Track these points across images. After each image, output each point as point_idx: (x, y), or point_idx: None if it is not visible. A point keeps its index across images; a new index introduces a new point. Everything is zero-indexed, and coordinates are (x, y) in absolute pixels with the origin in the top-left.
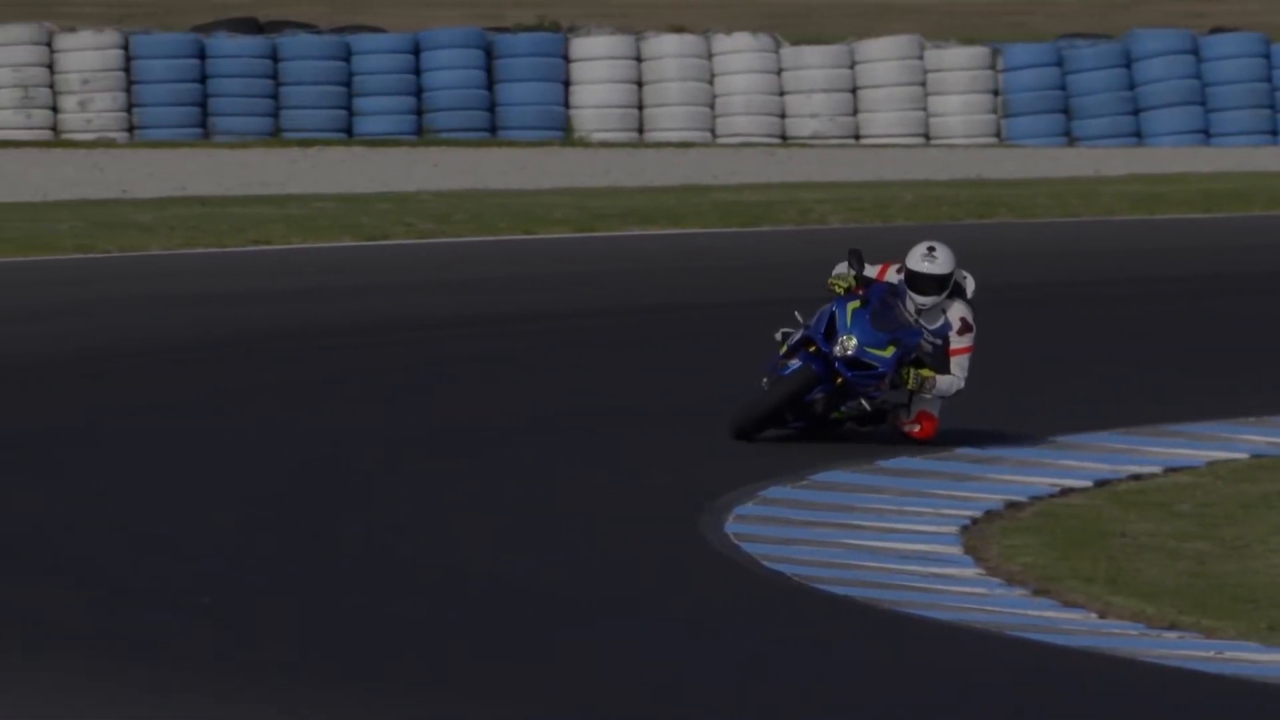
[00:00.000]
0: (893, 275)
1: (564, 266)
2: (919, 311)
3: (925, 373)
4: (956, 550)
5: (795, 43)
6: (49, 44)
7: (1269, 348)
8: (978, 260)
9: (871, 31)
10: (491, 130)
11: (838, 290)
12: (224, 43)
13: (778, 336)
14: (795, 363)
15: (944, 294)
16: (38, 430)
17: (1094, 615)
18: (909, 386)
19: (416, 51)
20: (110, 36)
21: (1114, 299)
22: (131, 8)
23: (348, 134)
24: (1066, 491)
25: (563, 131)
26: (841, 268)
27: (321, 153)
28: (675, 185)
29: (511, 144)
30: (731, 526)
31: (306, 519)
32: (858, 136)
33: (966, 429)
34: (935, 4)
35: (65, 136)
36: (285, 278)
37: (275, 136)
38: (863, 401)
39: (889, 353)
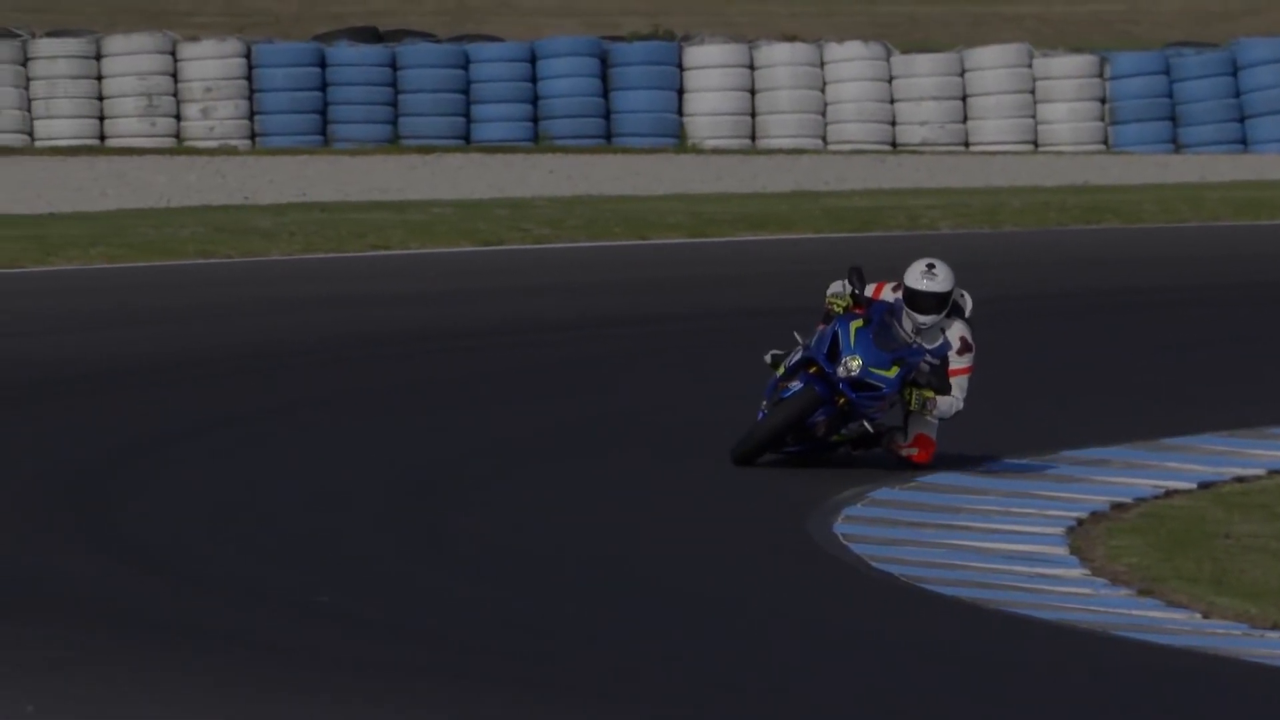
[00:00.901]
0: (888, 294)
1: (676, 271)
2: (917, 330)
3: (927, 393)
4: (1062, 551)
5: (905, 51)
6: (173, 53)
7: None
8: (1085, 265)
9: (980, 40)
10: (606, 137)
11: (836, 309)
12: (344, 51)
13: (767, 359)
14: (796, 385)
15: (944, 312)
16: (161, 433)
17: (1198, 615)
18: (912, 407)
19: (533, 60)
20: (233, 45)
21: (1219, 302)
22: (254, 17)
23: (465, 141)
24: (1171, 493)
25: (676, 138)
26: (837, 286)
27: (439, 159)
28: (786, 191)
29: (626, 150)
30: (840, 527)
31: (425, 519)
32: (967, 143)
33: (1072, 432)
34: (1043, 13)
35: (188, 144)
36: (404, 281)
37: (394, 143)
38: (865, 424)
39: (893, 373)
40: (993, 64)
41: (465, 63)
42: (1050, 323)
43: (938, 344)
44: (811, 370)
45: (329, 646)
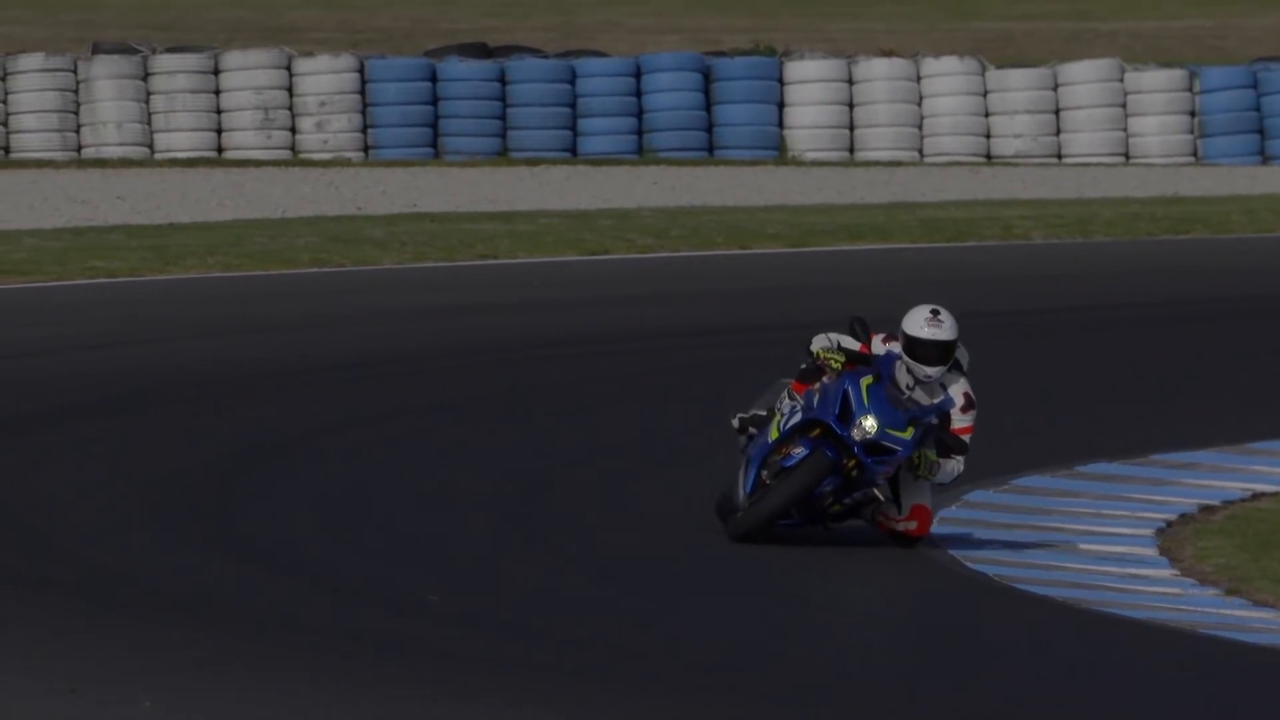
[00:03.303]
0: (878, 348)
1: (777, 280)
2: (913, 385)
3: (931, 455)
4: (1152, 552)
5: (1000, 66)
6: (288, 68)
7: None
8: (1173, 274)
9: (1072, 55)
10: (709, 150)
11: (834, 365)
12: (454, 66)
13: (734, 423)
14: (800, 451)
15: (949, 365)
16: (276, 437)
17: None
18: (919, 473)
19: (638, 75)
20: (346, 61)
21: None
22: (367, 34)
23: (572, 153)
24: (1258, 495)
25: (776, 151)
26: (823, 340)
27: (547, 171)
28: (883, 202)
29: (727, 163)
30: (935, 529)
31: (535, 522)
32: (1060, 156)
33: (1162, 435)
34: (1135, 29)
35: (303, 156)
36: (512, 290)
37: (503, 155)
38: (875, 491)
39: (909, 434)
40: (1084, 78)
41: (572, 77)
42: (1140, 330)
43: (938, 400)
44: (814, 434)
45: (444, 644)
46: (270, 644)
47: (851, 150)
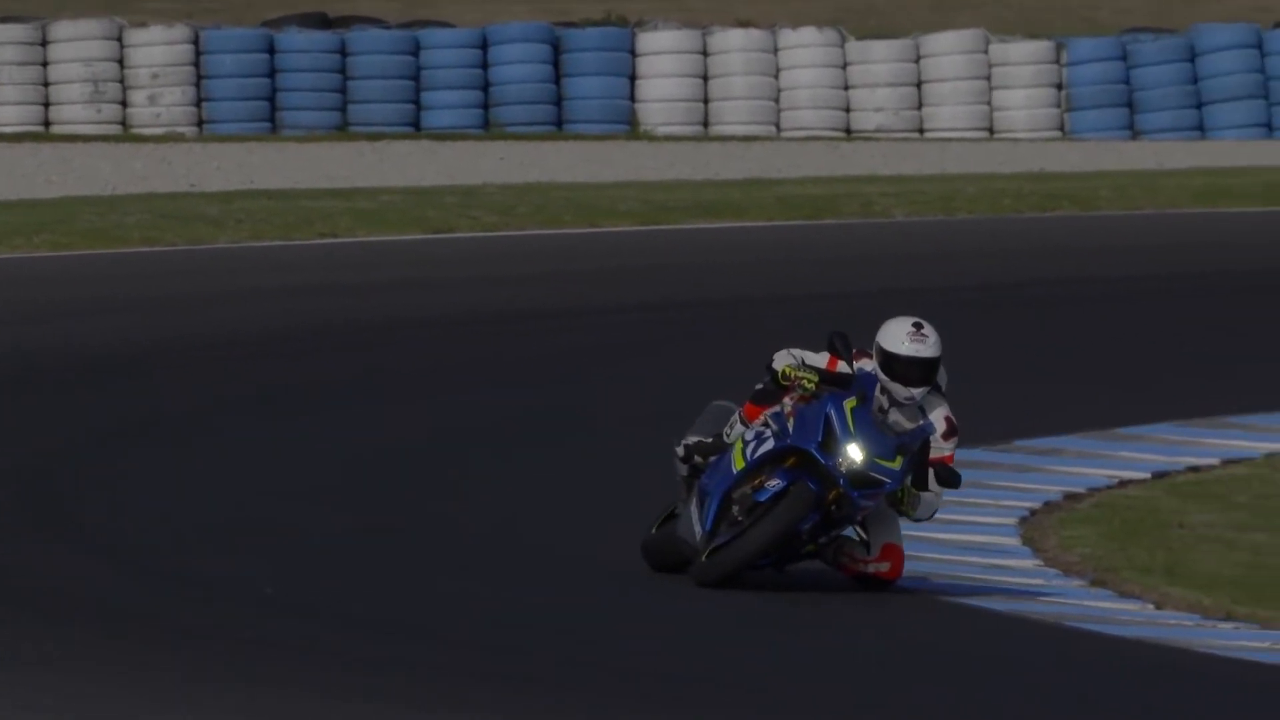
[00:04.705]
0: (843, 367)
1: (629, 259)
2: (888, 407)
3: (913, 489)
4: (1015, 541)
5: (860, 37)
6: (119, 39)
7: None
8: (1040, 253)
9: (936, 26)
10: (558, 124)
11: (807, 386)
12: (293, 37)
13: (679, 450)
14: (776, 483)
15: (931, 385)
16: (105, 424)
17: (1151, 606)
18: (904, 508)
19: (484, 46)
20: (180, 31)
21: (1174, 291)
22: (202, 3)
23: (415, 128)
24: (1124, 483)
25: (628, 125)
26: (786, 357)
27: (389, 146)
28: (740, 179)
29: (577, 137)
30: None
31: (370, 510)
32: (922, 130)
33: (1026, 420)
34: None
35: (134, 130)
36: (352, 270)
37: (343, 130)
38: (856, 530)
39: (898, 464)
40: (948, 50)
41: (415, 49)
42: (1003, 311)
43: (918, 425)
44: (789, 463)
45: (291, 635)
46: (122, 640)
47: (706, 124)
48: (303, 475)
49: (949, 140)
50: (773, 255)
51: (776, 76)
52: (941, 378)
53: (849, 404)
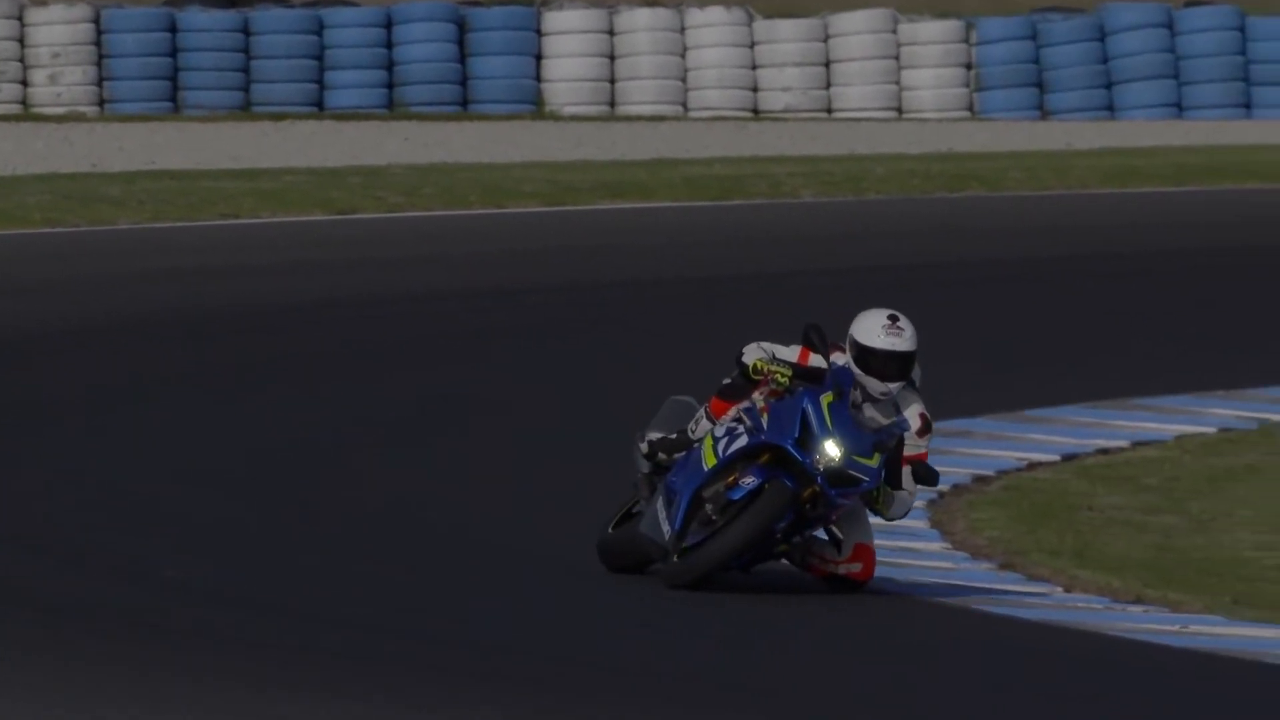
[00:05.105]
0: (816, 360)
1: (535, 240)
2: (862, 403)
3: (888, 488)
4: (923, 524)
5: (768, 16)
6: (19, 18)
7: (1237, 322)
8: (949, 233)
9: (845, 5)
10: (463, 104)
11: (781, 381)
12: (196, 16)
13: (643, 446)
14: (751, 480)
15: (907, 380)
16: (17, 407)
17: (1060, 589)
18: (877, 506)
19: (389, 25)
20: (81, 10)
21: (1084, 273)
22: None
23: (319, 108)
24: (1034, 465)
25: (534, 105)
26: (756, 350)
27: (293, 126)
28: (646, 159)
29: (483, 118)
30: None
31: (283, 494)
32: (830, 110)
33: (933, 403)
34: None
35: (35, 110)
36: (254, 252)
37: (246, 110)
38: (834, 529)
39: (875, 461)
40: (857, 29)
41: (319, 28)
42: (912, 292)
43: (893, 422)
44: (764, 460)
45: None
46: (20, 622)
47: (613, 104)
48: (206, 459)
49: (857, 120)
50: (680, 237)
51: (683, 56)
52: (915, 373)
53: (826, 399)
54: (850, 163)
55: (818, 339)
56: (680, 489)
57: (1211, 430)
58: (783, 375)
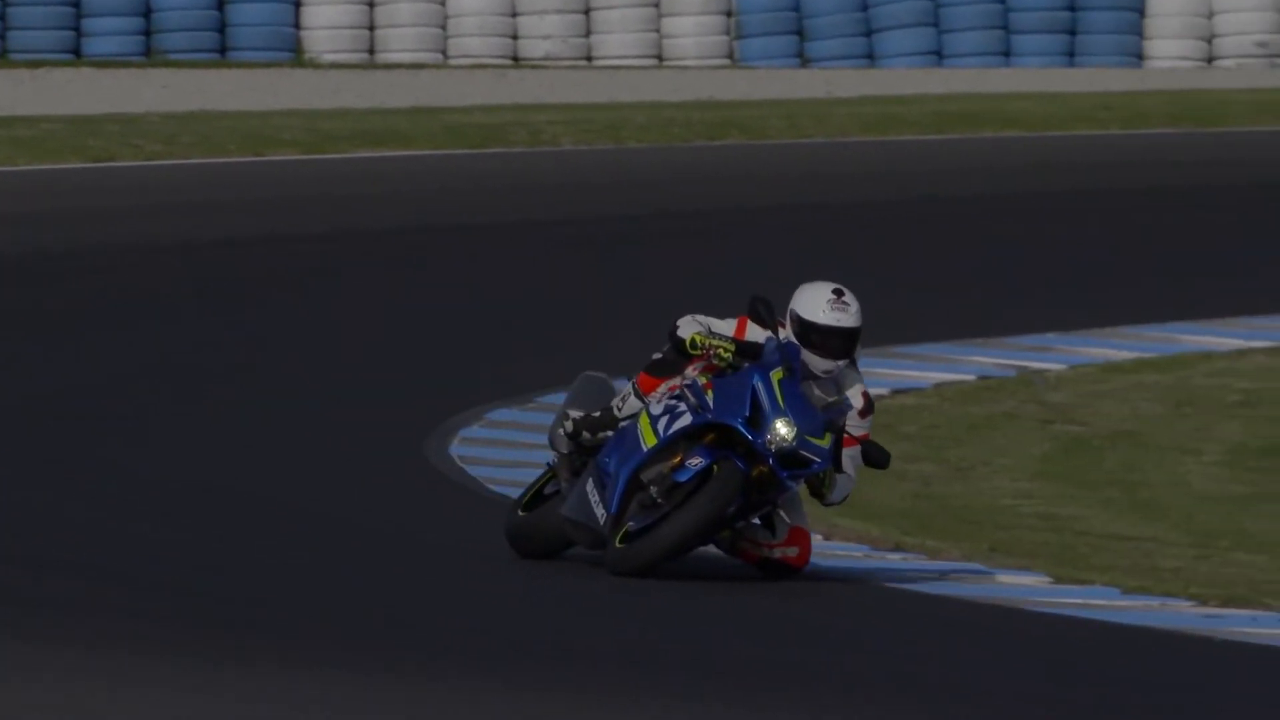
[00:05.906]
0: (755, 333)
1: (293, 189)
2: (803, 381)
3: (833, 470)
4: None
5: None
6: None
7: (996, 269)
8: (709, 182)
9: None
10: (221, 51)
11: (723, 355)
12: None
13: (567, 426)
14: (698, 461)
15: (850, 358)
16: None
17: (819, 537)
18: (823, 488)
19: None
20: None
21: (843, 221)
22: None
23: (75, 55)
24: None
25: (293, 53)
26: (692, 325)
27: (48, 74)
28: (406, 107)
29: (241, 65)
30: (456, 449)
31: (39, 451)
32: (590, 58)
33: None
34: None
35: None
36: (11, 200)
37: (2, 57)
38: (782, 514)
39: (827, 442)
40: None
41: None
42: (673, 240)
43: (837, 401)
44: (708, 440)
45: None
46: None
47: (372, 52)
48: None
49: (618, 69)
50: (440, 184)
51: (443, 3)
52: (856, 351)
53: (776, 375)
54: (610, 110)
55: (765, 312)
56: (615, 470)
57: (970, 378)
58: (725, 350)
